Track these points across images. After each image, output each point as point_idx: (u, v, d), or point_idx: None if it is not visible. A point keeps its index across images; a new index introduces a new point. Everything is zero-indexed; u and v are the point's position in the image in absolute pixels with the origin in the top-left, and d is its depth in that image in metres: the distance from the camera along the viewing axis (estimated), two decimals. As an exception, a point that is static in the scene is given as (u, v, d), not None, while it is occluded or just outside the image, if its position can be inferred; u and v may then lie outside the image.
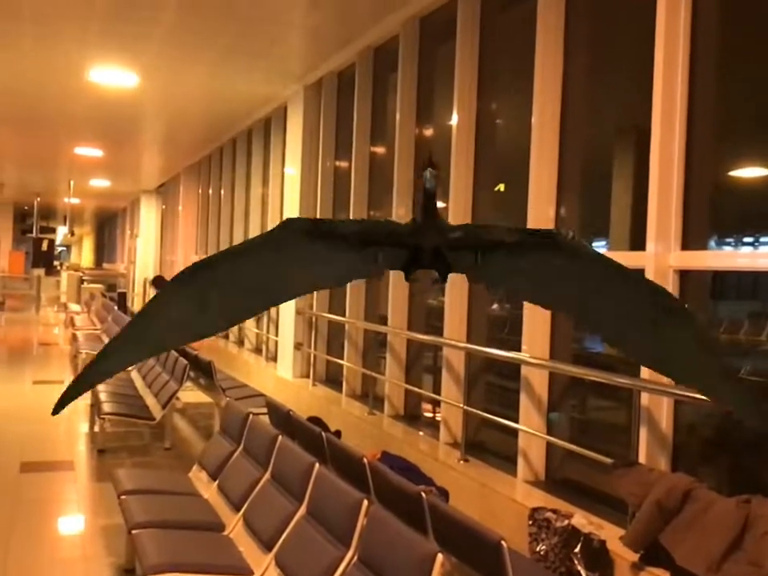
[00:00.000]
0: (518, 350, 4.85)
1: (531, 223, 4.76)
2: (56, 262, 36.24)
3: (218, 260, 1.57)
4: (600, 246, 5.08)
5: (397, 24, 6.53)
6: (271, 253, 1.63)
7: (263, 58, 8.03)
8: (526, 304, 4.77)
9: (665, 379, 3.76)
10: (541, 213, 4.74)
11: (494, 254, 1.73)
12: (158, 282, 14.44)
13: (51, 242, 37.29)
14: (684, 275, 3.83)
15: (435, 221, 1.65)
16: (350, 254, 1.68)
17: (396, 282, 6.57)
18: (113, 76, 8.79)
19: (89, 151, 14.89)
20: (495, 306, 6.31)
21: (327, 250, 1.67)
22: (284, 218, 8.23)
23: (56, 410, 1.43)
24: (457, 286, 5.64)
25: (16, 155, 17.24)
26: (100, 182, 20.67)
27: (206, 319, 1.57)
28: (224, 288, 1.55)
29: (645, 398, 3.79)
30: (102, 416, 6.47)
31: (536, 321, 4.74)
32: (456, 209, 5.66)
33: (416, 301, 6.59)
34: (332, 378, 8.10)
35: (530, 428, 4.69)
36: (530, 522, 3.80)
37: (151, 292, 15.81)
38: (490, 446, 5.39)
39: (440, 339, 5.77)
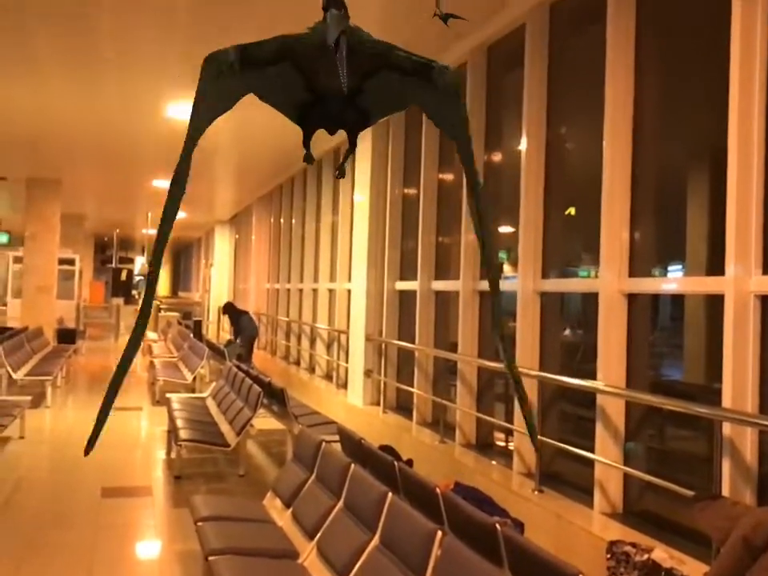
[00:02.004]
0: (592, 377, 4.75)
1: (605, 248, 4.69)
2: (134, 291, 37.43)
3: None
4: (676, 270, 4.96)
5: (464, 52, 6.58)
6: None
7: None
8: (601, 330, 4.68)
9: (748, 409, 3.63)
10: (614, 237, 4.67)
11: (390, 75, 1.78)
12: (227, 308, 14.70)
13: (130, 272, 38.60)
14: (766, 300, 3.69)
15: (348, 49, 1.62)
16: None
17: (466, 308, 6.55)
18: (189, 111, 9.07)
19: (166, 184, 15.32)
20: (567, 331, 6.20)
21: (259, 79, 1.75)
22: (353, 248, 8.27)
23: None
24: (529, 311, 5.58)
25: (98, 189, 17.98)
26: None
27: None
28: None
29: (727, 427, 3.66)
30: (179, 443, 6.60)
31: (611, 347, 4.64)
32: (527, 234, 5.63)
33: (487, 326, 6.54)
34: (402, 406, 8.09)
35: (607, 458, 4.57)
36: (608, 556, 3.69)
37: (224, 319, 16.10)
38: (566, 477, 5.27)
39: (512, 367, 5.68)
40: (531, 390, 5.47)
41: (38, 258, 16.08)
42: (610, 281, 4.65)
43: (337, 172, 1.85)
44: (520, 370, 5.45)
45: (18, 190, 15.93)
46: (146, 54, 7.09)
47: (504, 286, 6.39)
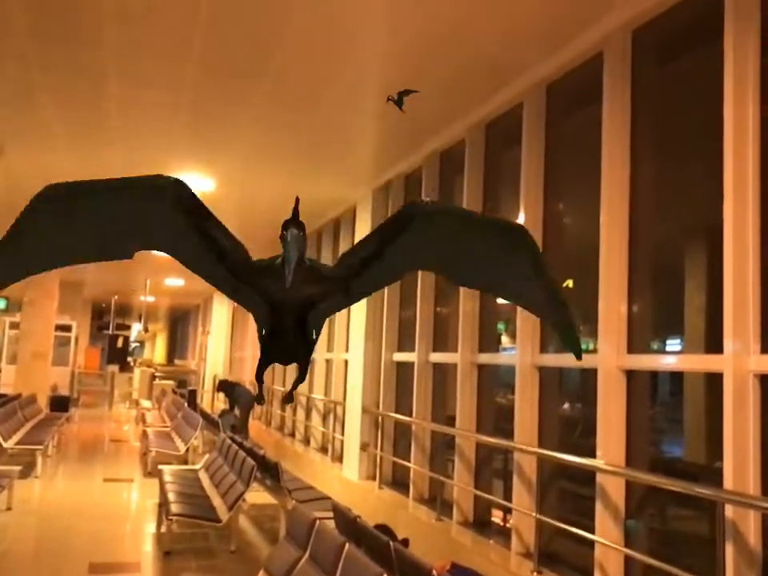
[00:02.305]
0: (592, 454, 4.67)
1: (603, 322, 4.69)
2: (129, 358, 37.22)
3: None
4: (675, 345, 4.95)
5: (462, 129, 6.71)
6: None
7: (334, 165, 8.36)
8: (600, 407, 4.64)
9: (749, 490, 3.56)
10: (612, 310, 4.66)
11: (364, 271, 1.81)
12: (222, 386, 14.61)
13: (126, 339, 38.45)
14: (765, 380, 3.67)
15: (301, 286, 1.67)
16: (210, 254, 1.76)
17: (464, 381, 6.50)
18: (191, 181, 9.20)
19: (165, 253, 15.47)
20: (566, 405, 6.15)
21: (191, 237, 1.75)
22: (351, 317, 8.24)
23: None
24: (527, 386, 5.54)
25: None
26: (174, 281, 21.39)
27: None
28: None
29: (729, 509, 3.58)
30: (170, 517, 6.45)
31: (610, 424, 4.58)
32: (524, 307, 5.62)
33: (485, 400, 6.48)
34: (399, 481, 7.94)
35: (607, 539, 4.46)
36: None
37: (219, 396, 15.95)
38: (565, 557, 5.13)
39: (510, 443, 5.61)
40: (530, 467, 5.40)
41: (35, 324, 16.08)
42: (608, 357, 4.63)
43: (284, 399, 1.93)
44: (518, 446, 5.40)
45: (18, 257, 15.99)
46: (152, 127, 7.22)
47: (502, 359, 6.37)
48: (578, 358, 2.06)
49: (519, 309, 5.64)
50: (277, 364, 1.97)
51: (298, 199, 1.82)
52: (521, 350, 5.62)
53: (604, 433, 4.61)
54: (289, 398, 2.31)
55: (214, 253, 1.79)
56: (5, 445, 10.19)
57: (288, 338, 1.89)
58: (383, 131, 7.17)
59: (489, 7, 4.64)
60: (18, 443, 10.62)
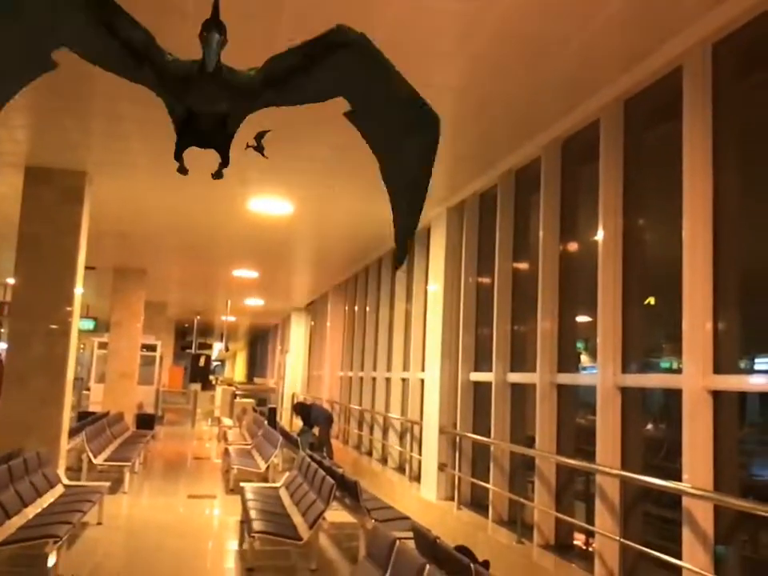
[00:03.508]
0: (677, 476, 4.54)
1: (688, 341, 4.56)
2: (211, 377, 38.13)
3: None
4: (765, 362, 4.77)
5: (538, 147, 6.67)
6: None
7: (408, 184, 8.42)
8: (685, 429, 4.50)
9: None
10: (696, 328, 4.53)
11: (291, 81, 1.83)
12: (297, 408, 14.79)
13: (208, 358, 39.45)
14: None
15: (218, 82, 1.70)
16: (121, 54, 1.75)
17: (543, 402, 6.41)
18: (270, 205, 9.49)
19: (246, 273, 15.89)
20: (649, 425, 5.99)
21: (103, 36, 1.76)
22: (427, 336, 8.28)
23: None
24: (609, 407, 5.42)
25: (181, 278, 18.67)
26: (254, 301, 21.87)
27: None
28: None
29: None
30: (252, 534, 6.56)
31: (696, 447, 4.44)
32: (605, 325, 5.52)
33: (565, 421, 6.37)
34: (477, 502, 7.87)
35: (695, 565, 4.31)
36: None
37: (296, 419, 16.14)
38: (651, 583, 4.99)
39: (592, 465, 5.50)
40: (612, 489, 5.27)
41: (122, 344, 16.66)
42: (694, 377, 4.49)
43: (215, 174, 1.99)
44: (601, 468, 5.29)
45: (106, 279, 16.68)
46: (232, 154, 7.44)
47: (582, 379, 6.26)
48: (399, 264, 2.34)
49: (600, 327, 5.55)
50: None
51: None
52: (602, 370, 5.52)
53: (690, 455, 4.47)
54: (218, 175, 2.28)
55: (127, 49, 1.81)
56: (95, 461, 10.58)
57: (203, 129, 1.94)
58: (457, 152, 7.20)
59: (565, 24, 4.61)
60: (106, 460, 11.01)
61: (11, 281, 10.97)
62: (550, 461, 6.30)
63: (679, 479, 4.51)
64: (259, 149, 2.09)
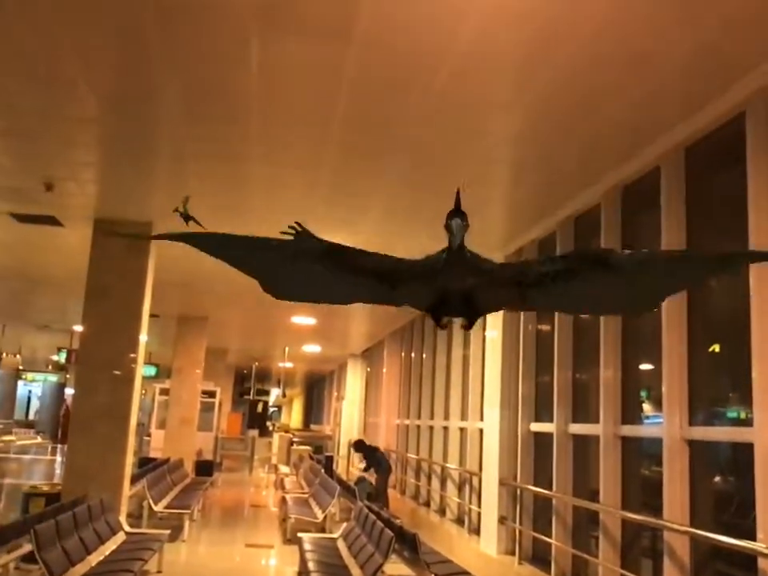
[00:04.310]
0: (750, 534, 4.33)
1: (759, 392, 4.40)
2: (268, 423, 38.27)
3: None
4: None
5: (598, 194, 6.62)
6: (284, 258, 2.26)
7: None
8: (759, 486, 4.31)
9: None
10: (766, 375, 4.37)
11: (539, 285, 2.03)
12: (358, 445, 14.73)
13: (265, 404, 39.70)
14: None
15: (463, 261, 1.92)
16: (369, 280, 2.07)
17: (607, 454, 6.24)
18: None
19: (303, 320, 16.04)
20: (717, 478, 5.75)
21: (342, 273, 2.15)
22: (485, 385, 8.19)
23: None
24: (676, 460, 5.24)
25: (241, 325, 18.96)
26: (311, 347, 22.01)
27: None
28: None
29: None
30: (311, 587, 6.49)
31: (772, 504, 4.25)
32: (671, 373, 5.38)
33: (630, 474, 6.18)
34: (539, 557, 7.65)
35: (775, 632, 4.09)
36: None
37: (354, 457, 16.10)
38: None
39: (659, 522, 5.30)
40: (682, 547, 5.07)
41: (182, 391, 16.92)
42: (767, 430, 4.32)
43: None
44: (669, 524, 5.09)
45: (168, 326, 17.03)
46: (290, 204, 7.58)
47: (647, 431, 6.07)
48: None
49: (665, 376, 5.40)
50: None
51: (458, 191, 2.14)
52: (668, 422, 5.35)
53: (764, 514, 4.27)
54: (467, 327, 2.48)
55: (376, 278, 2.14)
56: (155, 508, 10.66)
57: (453, 304, 2.22)
58: (515, 199, 7.20)
59: (622, 75, 4.61)
60: (166, 507, 11.08)
61: (79, 328, 11.28)
62: (615, 516, 6.10)
63: (752, 537, 4.31)
64: (185, 215, 2.30)
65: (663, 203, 5.63)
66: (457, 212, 2.08)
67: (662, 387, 5.48)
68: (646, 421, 6.29)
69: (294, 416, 51.38)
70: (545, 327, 8.24)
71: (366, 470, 14.21)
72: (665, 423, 5.39)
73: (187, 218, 2.19)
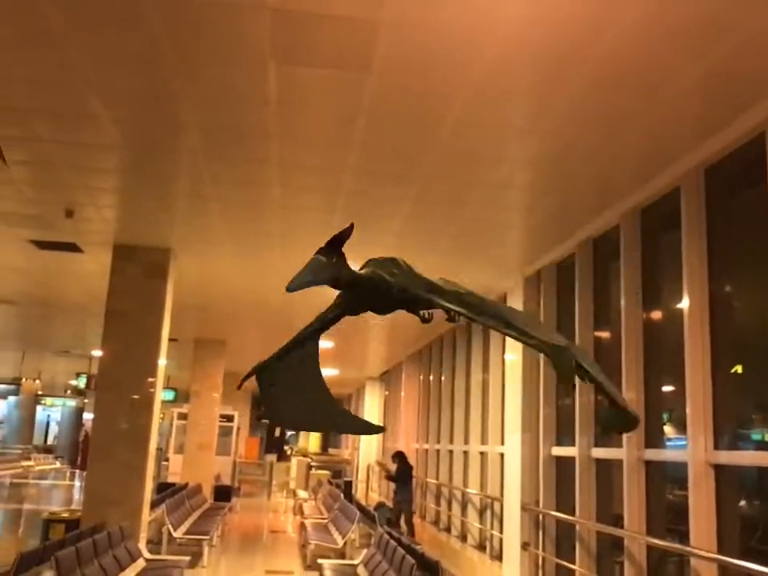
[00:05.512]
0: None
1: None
2: (285, 447, 38.14)
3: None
4: None
5: (616, 216, 6.58)
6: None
7: (483, 254, 8.40)
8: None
9: None
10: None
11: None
12: (398, 455, 14.52)
13: (283, 429, 39.52)
14: None
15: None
16: None
17: (631, 479, 6.14)
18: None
19: (321, 344, 15.90)
20: (742, 502, 5.63)
21: None
22: (506, 408, 8.11)
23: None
24: (702, 485, 5.14)
25: (259, 348, 18.91)
26: (329, 371, 21.95)
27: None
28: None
29: None
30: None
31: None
32: (694, 396, 5.29)
33: (655, 499, 6.07)
34: (563, 583, 7.52)
35: None
36: None
37: (372, 486, 15.90)
38: None
39: (686, 548, 5.20)
40: (709, 574, 4.96)
41: (201, 415, 16.89)
42: (795, 455, 4.23)
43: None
44: (695, 551, 4.99)
45: (186, 350, 17.06)
46: (308, 229, 7.59)
47: (672, 455, 5.97)
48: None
49: (689, 399, 5.32)
50: None
51: (351, 226, 2.28)
52: (693, 445, 5.26)
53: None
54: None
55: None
56: (174, 534, 10.62)
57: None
58: (534, 222, 7.18)
59: (640, 99, 4.59)
60: (186, 533, 11.03)
61: (98, 353, 11.32)
62: (640, 542, 5.99)
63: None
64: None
65: (683, 223, 5.58)
66: (328, 246, 2.17)
67: (682, 409, 5.40)
68: (668, 443, 6.20)
69: (311, 440, 51.13)
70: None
71: (392, 478, 14.02)
72: (690, 447, 5.30)
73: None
